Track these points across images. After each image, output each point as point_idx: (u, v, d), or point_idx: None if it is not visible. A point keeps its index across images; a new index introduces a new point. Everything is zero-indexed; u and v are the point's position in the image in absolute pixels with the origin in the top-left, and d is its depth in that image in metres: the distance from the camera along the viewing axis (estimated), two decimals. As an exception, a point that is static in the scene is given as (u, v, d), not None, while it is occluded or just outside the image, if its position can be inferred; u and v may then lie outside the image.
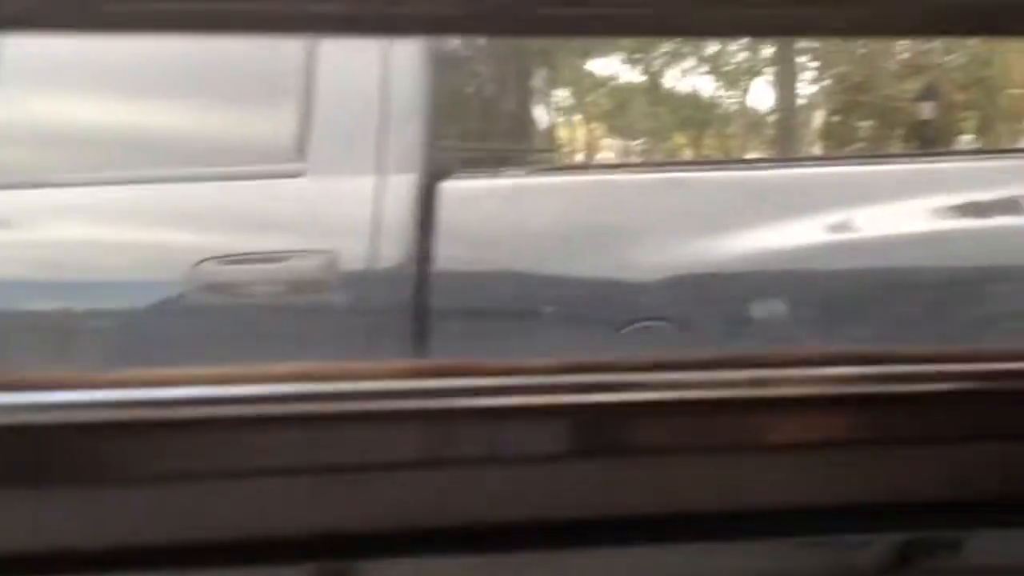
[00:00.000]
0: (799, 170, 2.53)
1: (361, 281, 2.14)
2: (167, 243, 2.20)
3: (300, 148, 2.19)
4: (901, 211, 2.16)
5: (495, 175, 2.30)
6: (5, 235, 2.21)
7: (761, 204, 2.16)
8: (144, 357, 2.17)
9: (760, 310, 2.10)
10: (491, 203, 2.20)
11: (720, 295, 2.11)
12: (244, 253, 2.17)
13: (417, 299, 2.14)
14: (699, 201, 2.18)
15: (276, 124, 2.22)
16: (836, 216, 2.19)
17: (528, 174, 2.35)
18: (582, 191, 2.25)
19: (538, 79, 3.76)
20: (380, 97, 2.18)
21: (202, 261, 2.14)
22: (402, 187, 2.16)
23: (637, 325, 2.14)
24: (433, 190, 2.16)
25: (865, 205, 2.18)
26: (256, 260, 2.17)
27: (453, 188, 2.18)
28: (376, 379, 0.65)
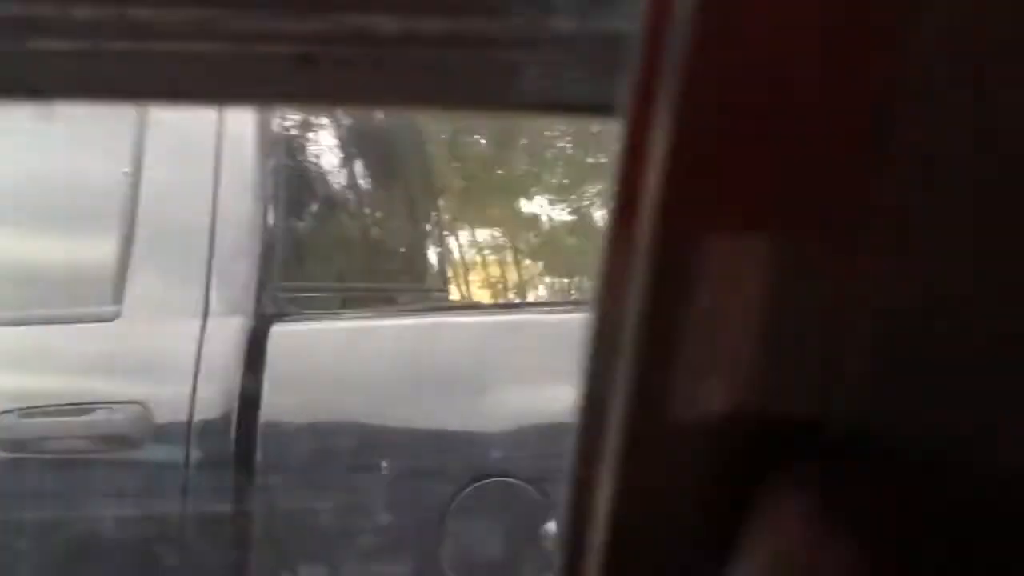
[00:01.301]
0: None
1: (177, 434, 1.93)
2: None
3: (117, 288, 1.99)
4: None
5: (334, 317, 2.11)
6: None
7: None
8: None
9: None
10: (329, 347, 2.01)
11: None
12: (46, 405, 1.94)
13: (240, 452, 1.92)
14: (551, 344, 2.01)
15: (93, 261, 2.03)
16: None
17: (373, 316, 2.16)
18: (431, 334, 2.07)
19: (433, 220, 3.63)
20: (208, 232, 1.99)
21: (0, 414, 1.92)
22: (228, 331, 1.96)
23: (485, 481, 1.94)
24: (263, 334, 1.97)
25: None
26: (60, 412, 1.95)
27: (286, 331, 1.99)
28: None
